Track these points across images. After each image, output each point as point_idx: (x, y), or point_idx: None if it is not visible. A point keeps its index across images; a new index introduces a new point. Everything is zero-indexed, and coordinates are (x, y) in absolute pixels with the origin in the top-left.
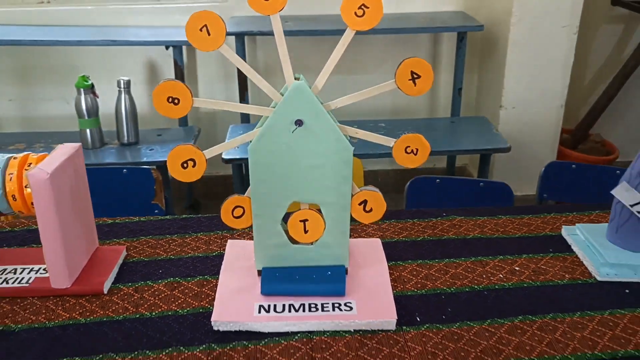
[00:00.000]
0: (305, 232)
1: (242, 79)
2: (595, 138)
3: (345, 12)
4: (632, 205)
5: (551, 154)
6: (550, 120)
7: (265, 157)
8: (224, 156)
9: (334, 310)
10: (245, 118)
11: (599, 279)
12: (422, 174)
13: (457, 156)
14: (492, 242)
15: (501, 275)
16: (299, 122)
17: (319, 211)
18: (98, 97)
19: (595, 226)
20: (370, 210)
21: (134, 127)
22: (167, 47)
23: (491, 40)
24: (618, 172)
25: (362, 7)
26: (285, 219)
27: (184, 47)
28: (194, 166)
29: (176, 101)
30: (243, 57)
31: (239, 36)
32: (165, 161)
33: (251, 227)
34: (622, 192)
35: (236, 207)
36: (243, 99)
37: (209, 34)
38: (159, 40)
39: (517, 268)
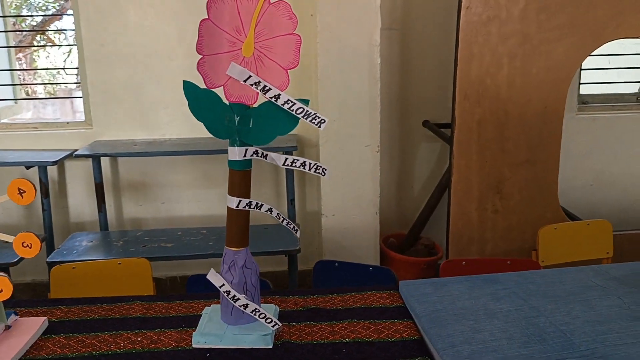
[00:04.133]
0: None
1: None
2: (425, 241)
3: None
4: (220, 286)
5: (374, 256)
6: (368, 227)
7: None
8: None
9: None
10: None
11: (194, 346)
12: None
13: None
14: None
15: None
16: None
17: None
18: None
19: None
20: None
21: None
22: (27, 167)
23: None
24: (371, 268)
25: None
26: None
27: (48, 167)
28: None
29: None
30: (99, 174)
31: (95, 157)
32: None
33: None
34: (212, 276)
35: None
36: (100, 210)
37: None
38: (21, 162)
39: None
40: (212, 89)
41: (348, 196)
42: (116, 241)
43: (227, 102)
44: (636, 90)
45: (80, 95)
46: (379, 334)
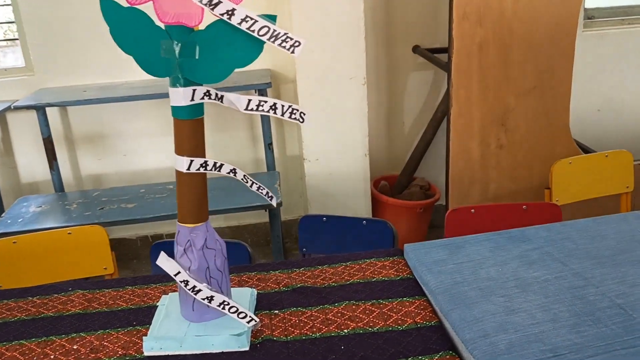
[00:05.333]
0: None
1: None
2: (420, 182)
3: None
4: (175, 275)
5: (365, 203)
6: (357, 170)
7: None
8: None
9: None
10: None
11: (145, 354)
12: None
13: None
14: None
15: None
16: None
17: None
18: None
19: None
20: None
21: None
22: None
23: (285, 97)
24: (364, 222)
25: None
26: None
27: None
28: None
29: None
30: (46, 127)
31: (39, 108)
32: None
33: None
34: (163, 262)
35: None
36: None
37: None
38: None
39: None
40: (136, 6)
41: (333, 137)
42: (69, 204)
43: (162, 25)
44: None
45: (16, 37)
46: (385, 321)
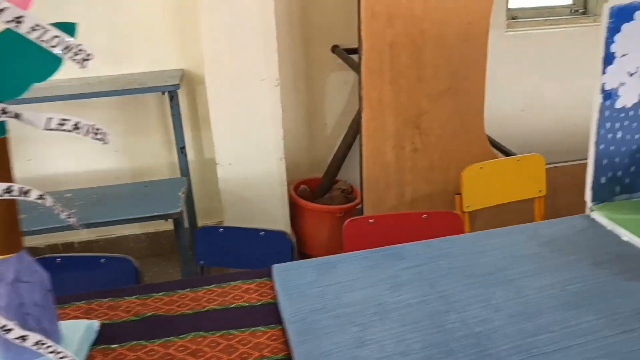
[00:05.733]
0: None
1: None
2: (342, 185)
3: None
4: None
5: (282, 207)
6: (272, 174)
7: None
8: None
9: None
10: None
11: None
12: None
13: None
14: None
15: None
16: None
17: None
18: None
19: None
20: None
21: None
22: None
23: (200, 99)
24: (262, 233)
25: None
26: None
27: None
28: None
29: None
30: None
31: None
32: None
33: None
34: None
35: None
36: None
37: None
38: None
39: None
40: None
41: (246, 141)
42: None
43: None
44: (570, 2)
45: None
46: (229, 355)
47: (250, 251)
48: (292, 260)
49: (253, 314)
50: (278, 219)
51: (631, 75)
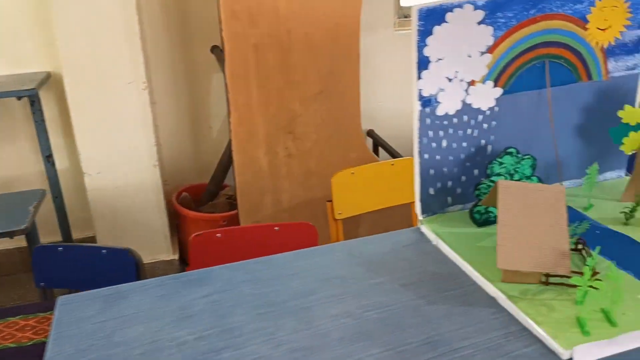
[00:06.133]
0: None
1: None
2: (228, 191)
3: None
4: None
5: (160, 216)
6: (146, 183)
7: None
8: None
9: None
10: None
11: None
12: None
13: None
14: None
15: None
16: None
17: None
18: None
19: None
20: None
21: None
22: None
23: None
24: (104, 251)
25: None
26: None
27: None
28: None
29: None
30: None
31: None
32: None
33: None
34: None
35: None
36: None
37: None
38: None
39: None
40: None
41: (114, 148)
42: None
43: None
44: None
45: None
46: None
47: (92, 271)
48: (137, 279)
49: (18, 357)
50: (157, 229)
51: (450, 80)
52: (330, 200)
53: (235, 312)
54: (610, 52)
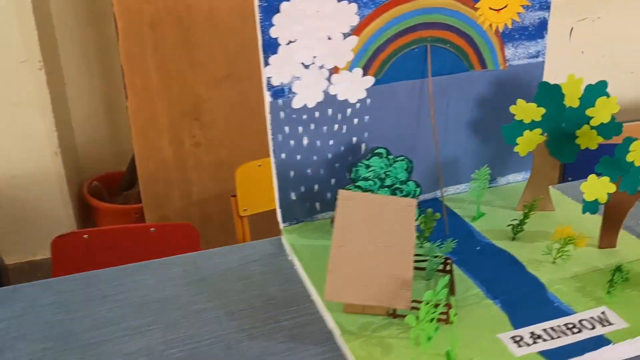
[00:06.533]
0: None
1: None
2: None
3: None
4: None
5: (64, 208)
6: (47, 172)
7: None
8: None
9: None
10: None
11: None
12: None
13: None
14: None
15: None
16: None
17: None
18: None
19: None
20: None
21: None
22: None
23: None
24: None
25: None
26: None
27: None
28: None
29: None
30: None
31: None
32: None
33: None
34: None
35: None
36: None
37: None
38: None
39: None
40: None
41: (7, 134)
42: None
43: None
44: None
45: None
46: None
47: None
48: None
49: None
50: (62, 223)
51: (307, 67)
52: (235, 195)
53: (15, 347)
54: (508, 36)
